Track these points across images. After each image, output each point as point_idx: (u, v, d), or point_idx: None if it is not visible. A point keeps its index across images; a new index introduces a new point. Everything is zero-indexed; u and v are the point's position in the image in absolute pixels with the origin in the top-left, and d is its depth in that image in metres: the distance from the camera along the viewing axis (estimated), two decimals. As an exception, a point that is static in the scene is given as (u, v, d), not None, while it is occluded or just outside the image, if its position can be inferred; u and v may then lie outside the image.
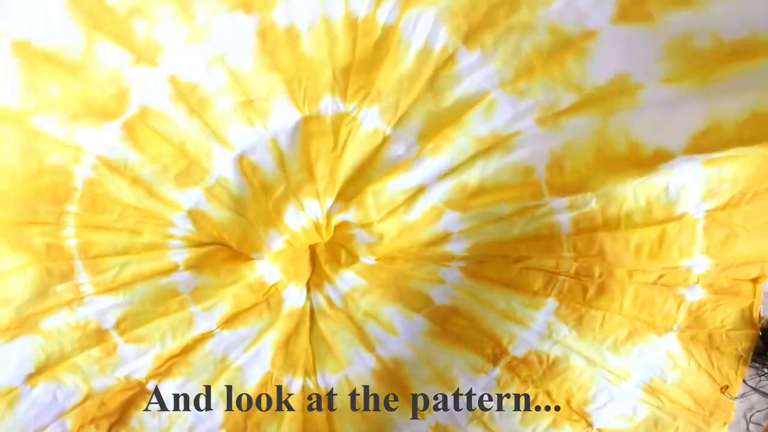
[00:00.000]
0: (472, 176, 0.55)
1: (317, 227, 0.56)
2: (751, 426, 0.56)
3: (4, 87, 0.53)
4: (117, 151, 0.55)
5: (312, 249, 0.58)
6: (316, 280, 0.58)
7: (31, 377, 0.57)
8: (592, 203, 0.55)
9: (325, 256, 0.57)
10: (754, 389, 0.56)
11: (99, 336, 0.57)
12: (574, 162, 0.53)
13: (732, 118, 0.49)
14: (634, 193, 0.54)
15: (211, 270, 0.57)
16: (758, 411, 0.57)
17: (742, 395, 0.56)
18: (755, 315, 0.55)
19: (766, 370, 0.56)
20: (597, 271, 0.55)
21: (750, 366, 0.55)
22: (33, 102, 0.54)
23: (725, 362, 0.55)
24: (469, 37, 0.53)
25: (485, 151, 0.55)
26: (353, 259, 0.57)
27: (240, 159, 0.56)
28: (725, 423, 0.54)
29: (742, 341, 0.55)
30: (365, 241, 0.56)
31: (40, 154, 0.55)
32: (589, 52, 0.51)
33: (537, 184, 0.54)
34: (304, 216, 0.56)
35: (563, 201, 0.55)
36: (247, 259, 0.57)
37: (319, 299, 0.58)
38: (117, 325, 0.57)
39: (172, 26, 0.53)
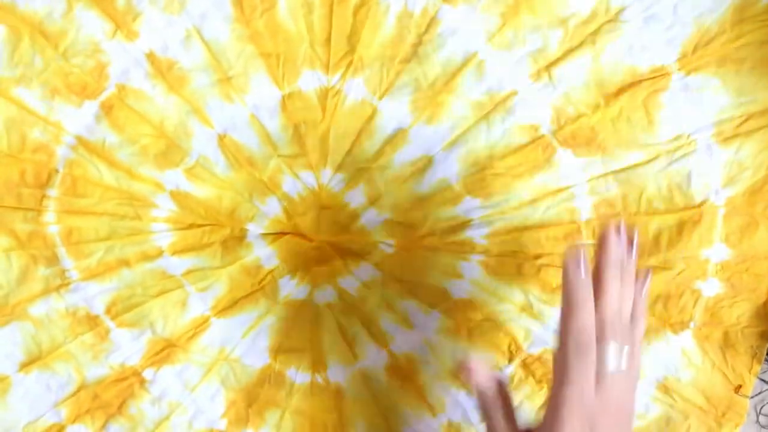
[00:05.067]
0: (478, 143, 0.52)
1: (315, 194, 0.54)
2: (761, 418, 0.56)
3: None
4: (95, 131, 0.52)
5: (323, 247, 0.56)
6: (328, 274, 0.55)
7: (23, 366, 0.56)
8: (612, 189, 0.52)
9: (342, 252, 0.55)
10: (766, 382, 0.55)
11: (90, 322, 0.56)
12: (576, 107, 0.51)
13: (715, 17, 0.48)
14: (656, 179, 0.52)
15: (204, 251, 0.55)
16: (768, 403, 0.57)
17: (758, 393, 0.55)
18: (770, 311, 0.53)
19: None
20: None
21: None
22: (16, 72, 0.51)
23: (740, 361, 0.54)
24: (449, -7, 0.49)
25: (486, 115, 0.51)
26: (372, 246, 0.54)
27: (221, 138, 0.52)
28: (737, 425, 0.54)
29: (756, 339, 0.53)
30: (378, 221, 0.54)
31: (23, 126, 0.52)
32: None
33: (546, 140, 0.52)
34: (301, 184, 0.54)
35: (583, 176, 0.52)
36: (242, 239, 0.55)
37: (332, 293, 0.55)
38: (107, 310, 0.56)
39: (152, -8, 0.49)
